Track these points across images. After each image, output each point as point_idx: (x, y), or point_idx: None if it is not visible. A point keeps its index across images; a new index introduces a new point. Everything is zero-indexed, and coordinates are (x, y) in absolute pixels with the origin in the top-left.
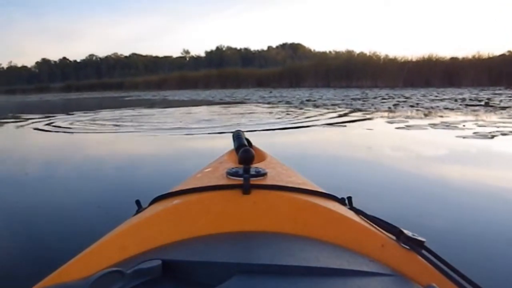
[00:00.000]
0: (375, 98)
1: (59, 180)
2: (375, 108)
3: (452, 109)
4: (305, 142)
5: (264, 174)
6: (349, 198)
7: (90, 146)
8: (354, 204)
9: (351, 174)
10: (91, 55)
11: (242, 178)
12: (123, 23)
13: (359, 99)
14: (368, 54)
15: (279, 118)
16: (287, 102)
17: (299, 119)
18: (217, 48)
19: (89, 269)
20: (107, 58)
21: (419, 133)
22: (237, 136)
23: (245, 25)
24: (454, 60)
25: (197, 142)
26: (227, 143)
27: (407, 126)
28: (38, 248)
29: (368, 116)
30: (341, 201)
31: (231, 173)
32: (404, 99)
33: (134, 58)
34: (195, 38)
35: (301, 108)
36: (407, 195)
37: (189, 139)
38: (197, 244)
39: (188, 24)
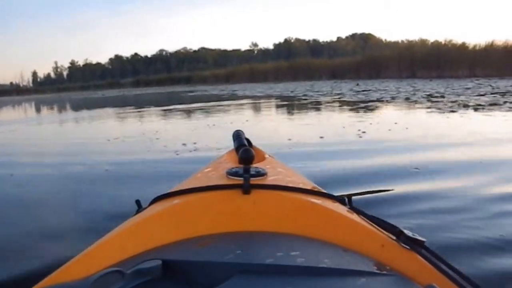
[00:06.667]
0: None
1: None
2: None
3: None
4: None
5: (264, 174)
6: (349, 198)
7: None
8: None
9: None
10: (161, 50)
11: (242, 178)
12: (192, 17)
13: (503, 93)
14: (443, 42)
15: None
16: (408, 100)
17: None
18: (285, 40)
19: (89, 269)
20: (176, 52)
21: None
22: (237, 136)
23: (313, 15)
24: None
25: None
26: None
27: None
28: (36, 247)
29: None
30: (341, 201)
31: (231, 173)
32: None
33: (203, 52)
34: (263, 31)
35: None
36: None
37: None
38: (197, 244)
39: (256, 16)
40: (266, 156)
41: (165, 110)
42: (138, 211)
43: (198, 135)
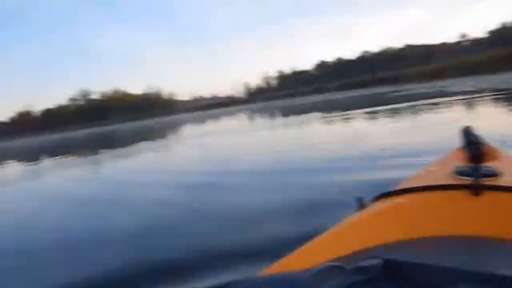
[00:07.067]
0: None
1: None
2: None
3: None
4: None
5: (497, 174)
6: None
7: None
8: None
9: None
10: (365, 52)
11: (471, 178)
12: (393, 17)
13: None
14: None
15: None
16: None
17: None
18: (502, 25)
19: (311, 261)
20: (380, 53)
21: None
22: (466, 132)
23: None
24: None
25: None
26: None
27: None
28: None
29: None
30: None
31: (458, 172)
32: None
33: (407, 50)
34: (472, 19)
35: None
36: None
37: None
38: (420, 245)
39: (464, 5)
40: (501, 154)
41: (367, 112)
42: (360, 208)
43: (399, 139)
